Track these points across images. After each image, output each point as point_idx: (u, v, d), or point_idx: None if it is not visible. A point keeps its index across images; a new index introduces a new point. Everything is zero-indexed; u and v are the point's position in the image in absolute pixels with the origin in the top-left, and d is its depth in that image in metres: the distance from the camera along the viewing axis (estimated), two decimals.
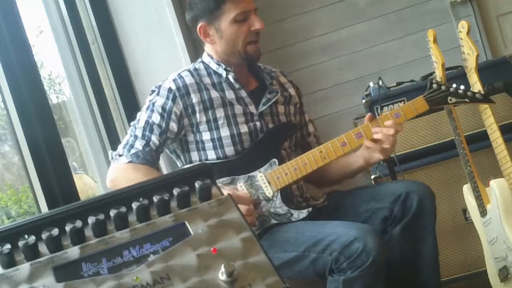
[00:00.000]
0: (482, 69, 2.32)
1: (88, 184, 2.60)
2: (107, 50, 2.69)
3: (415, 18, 3.32)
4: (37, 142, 1.90)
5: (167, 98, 2.03)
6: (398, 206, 1.95)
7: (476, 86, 2.26)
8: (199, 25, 2.08)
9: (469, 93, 2.07)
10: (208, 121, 2.04)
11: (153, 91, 2.08)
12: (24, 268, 0.97)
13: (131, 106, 2.67)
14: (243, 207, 1.81)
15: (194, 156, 2.09)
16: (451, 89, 2.06)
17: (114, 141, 2.50)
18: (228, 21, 2.03)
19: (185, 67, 2.18)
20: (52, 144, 1.95)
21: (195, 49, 2.96)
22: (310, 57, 3.36)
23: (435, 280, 2.01)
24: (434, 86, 2.05)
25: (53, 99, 2.64)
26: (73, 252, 1.01)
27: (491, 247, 2.25)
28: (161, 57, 2.78)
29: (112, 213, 1.06)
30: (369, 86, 2.73)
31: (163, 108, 2.03)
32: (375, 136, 1.97)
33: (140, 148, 2.02)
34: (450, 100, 2.06)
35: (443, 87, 2.05)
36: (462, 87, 2.07)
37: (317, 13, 3.37)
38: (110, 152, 2.10)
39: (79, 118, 2.56)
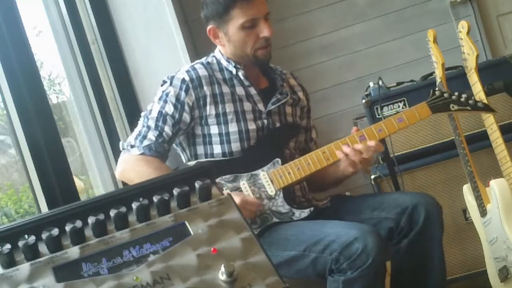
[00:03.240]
0: (482, 69, 2.33)
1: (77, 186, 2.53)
2: (107, 50, 2.69)
3: (415, 18, 3.32)
4: (37, 142, 1.89)
5: (181, 88, 2.03)
6: (405, 219, 1.95)
7: (476, 86, 2.26)
8: (209, 27, 2.09)
9: (470, 102, 2.06)
10: (217, 115, 2.04)
11: (165, 82, 2.08)
12: (24, 268, 0.97)
13: (131, 106, 2.67)
14: (251, 209, 1.87)
15: (200, 150, 2.09)
16: (453, 97, 2.05)
17: (114, 141, 2.49)
18: (236, 27, 2.03)
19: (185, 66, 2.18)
20: (52, 144, 1.94)
21: (195, 49, 2.96)
22: (310, 57, 3.36)
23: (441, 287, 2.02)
24: (437, 93, 2.04)
25: (53, 99, 2.64)
26: (73, 252, 1.01)
27: (491, 247, 2.25)
28: (161, 57, 2.78)
29: (112, 213, 1.06)
30: (369, 86, 2.73)
31: (177, 98, 2.03)
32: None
33: (153, 139, 2.02)
34: (453, 107, 2.05)
35: (445, 95, 2.04)
36: (464, 95, 2.06)
37: (317, 13, 3.37)
38: (121, 142, 2.10)
39: (79, 118, 2.55)
